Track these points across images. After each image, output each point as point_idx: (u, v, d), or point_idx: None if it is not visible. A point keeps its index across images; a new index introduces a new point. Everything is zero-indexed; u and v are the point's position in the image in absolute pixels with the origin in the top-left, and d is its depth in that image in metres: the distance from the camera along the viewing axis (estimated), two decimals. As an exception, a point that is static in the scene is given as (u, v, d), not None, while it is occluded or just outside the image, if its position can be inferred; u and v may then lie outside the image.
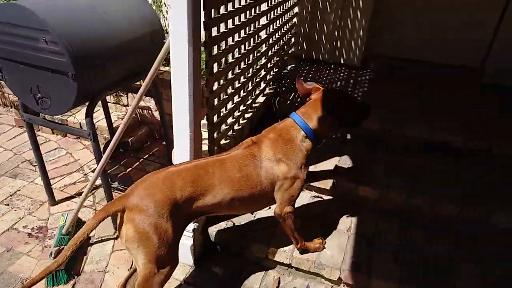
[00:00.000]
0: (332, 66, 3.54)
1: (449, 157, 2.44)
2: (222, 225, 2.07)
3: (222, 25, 1.87)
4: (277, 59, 3.04)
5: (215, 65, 1.88)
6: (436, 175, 2.30)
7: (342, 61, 3.53)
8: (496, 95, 3.05)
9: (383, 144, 2.54)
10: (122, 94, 3.07)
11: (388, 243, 1.98)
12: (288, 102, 2.85)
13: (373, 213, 2.18)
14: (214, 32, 1.79)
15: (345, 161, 2.43)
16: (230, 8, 1.91)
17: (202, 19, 1.65)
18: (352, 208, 2.19)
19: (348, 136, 2.68)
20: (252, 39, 2.33)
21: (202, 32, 1.64)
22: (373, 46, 3.51)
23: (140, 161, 2.89)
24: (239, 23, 2.08)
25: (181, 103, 1.64)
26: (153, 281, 1.41)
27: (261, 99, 2.78)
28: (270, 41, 2.75)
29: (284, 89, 3.05)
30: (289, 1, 3.01)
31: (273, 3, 2.60)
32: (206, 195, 1.48)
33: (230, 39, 2.00)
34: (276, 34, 2.89)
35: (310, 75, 3.33)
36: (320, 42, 3.51)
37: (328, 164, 2.37)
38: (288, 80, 3.21)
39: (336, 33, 3.41)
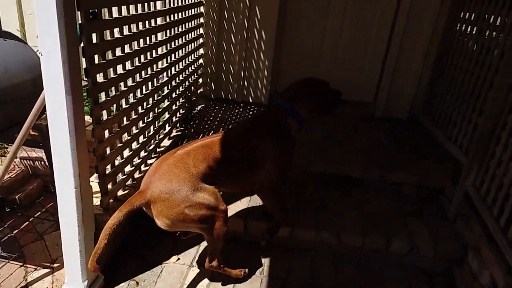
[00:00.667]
0: (242, 104, 3.60)
1: (351, 188, 2.58)
2: (124, 286, 1.87)
3: (111, 71, 1.77)
4: (183, 100, 3.00)
5: (104, 112, 1.75)
6: (340, 206, 2.38)
7: (250, 100, 3.61)
8: (386, 126, 3.36)
9: (289, 180, 2.59)
10: (6, 145, 2.73)
11: (301, 281, 1.96)
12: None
13: (285, 251, 2.16)
14: (100, 78, 1.68)
15: (255, 200, 2.41)
16: (118, 53, 1.83)
17: (84, 65, 1.54)
18: (265, 249, 2.15)
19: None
20: (150, 82, 2.26)
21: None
22: (279, 83, 3.67)
23: (30, 220, 2.55)
24: (132, 67, 1.99)
25: (62, 157, 1.47)
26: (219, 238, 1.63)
27: (167, 142, 2.67)
28: (174, 83, 2.71)
29: (192, 130, 2.99)
30: (190, 44, 3.03)
31: (172, 46, 2.58)
32: (216, 168, 1.61)
33: (122, 84, 1.90)
34: (180, 76, 2.86)
35: (220, 115, 3.33)
36: (228, 82, 3.57)
37: (240, 204, 2.33)
38: (196, 121, 3.17)
39: (242, 73, 3.50)
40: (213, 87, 3.60)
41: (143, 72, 2.14)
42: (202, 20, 3.33)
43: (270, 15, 3.25)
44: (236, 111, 3.47)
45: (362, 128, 3.31)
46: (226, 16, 3.31)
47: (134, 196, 1.50)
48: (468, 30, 2.79)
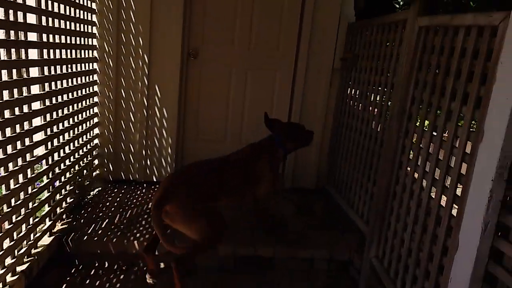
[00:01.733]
0: (145, 185, 3.35)
1: (262, 271, 2.42)
2: None
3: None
4: (71, 188, 2.66)
5: None
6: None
7: (154, 179, 3.38)
8: (295, 197, 3.37)
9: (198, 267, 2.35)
10: None
11: None
12: (88, 237, 2.41)
13: None
14: None
15: None
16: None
17: None
18: None
19: (162, 265, 2.40)
20: (21, 175, 1.94)
21: None
22: (184, 160, 3.53)
23: None
24: (-8, 160, 1.69)
25: None
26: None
27: (46, 239, 2.27)
28: (57, 171, 2.39)
29: (83, 221, 2.62)
30: (81, 126, 2.79)
31: (54, 130, 2.32)
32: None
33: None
34: (67, 161, 2.55)
35: (119, 199, 3.02)
36: (129, 162, 3.33)
37: None
38: (89, 209, 2.81)
39: (144, 152, 3.30)
40: (112, 168, 3.31)
41: (10, 164, 1.83)
42: (96, 99, 3.14)
43: (170, 93, 3.20)
44: (138, 192, 3.19)
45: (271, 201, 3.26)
46: (124, 94, 3.17)
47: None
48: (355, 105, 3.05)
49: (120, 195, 3.12)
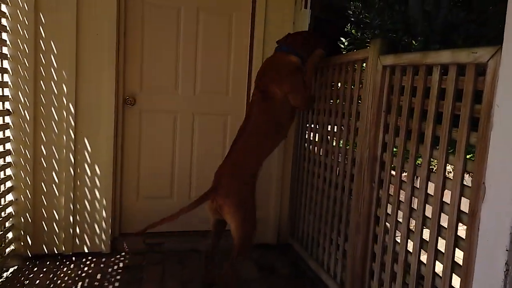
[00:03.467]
0: (74, 258, 2.75)
1: None
2: None
3: None
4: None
5: None
6: None
7: (86, 249, 2.80)
8: (256, 255, 2.96)
9: None
10: None
11: None
12: None
13: None
14: None
15: None
16: None
17: None
18: None
19: None
20: None
21: None
22: (124, 224, 3.00)
23: None
24: None
25: None
26: None
27: None
28: None
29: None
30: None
31: None
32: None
33: None
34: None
35: (38, 281, 2.41)
36: (53, 232, 2.73)
37: None
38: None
39: (72, 218, 2.73)
40: (31, 241, 2.69)
41: None
42: (9, 159, 2.58)
43: (103, 146, 2.73)
44: (65, 269, 2.59)
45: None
46: (45, 151, 2.64)
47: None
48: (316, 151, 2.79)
49: (41, 275, 2.50)
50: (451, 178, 1.39)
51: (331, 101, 2.55)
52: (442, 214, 1.45)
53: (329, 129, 2.56)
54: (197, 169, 3.07)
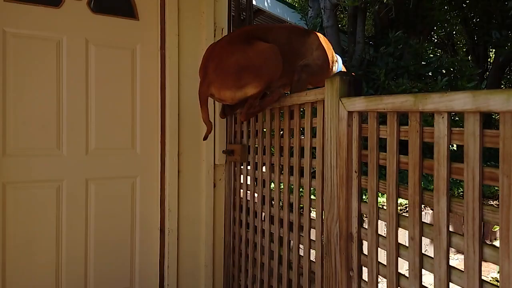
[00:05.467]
0: None
1: None
2: None
3: None
4: None
5: None
6: None
7: None
8: None
9: None
10: None
11: None
12: None
13: None
14: None
15: None
16: None
17: None
18: None
19: None
20: None
21: None
22: None
23: None
24: None
25: None
26: None
27: None
28: None
29: None
30: None
31: None
32: None
33: None
34: None
35: None
36: None
37: None
38: None
39: None
40: None
41: None
42: None
43: None
44: None
45: None
46: None
47: None
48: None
49: None
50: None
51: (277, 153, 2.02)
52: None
53: (271, 187, 2.02)
54: (96, 254, 2.22)
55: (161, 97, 2.32)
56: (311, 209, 1.74)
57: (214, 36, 2.39)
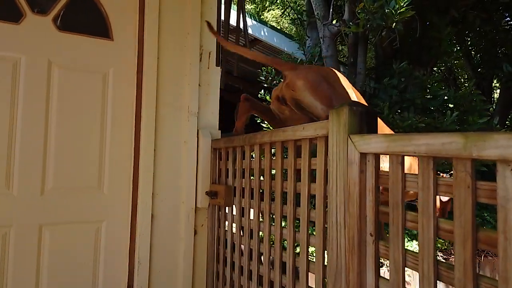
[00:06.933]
0: None
1: None
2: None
3: None
4: None
5: None
6: None
7: None
8: None
9: None
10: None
11: None
12: None
13: None
14: None
15: None
16: None
17: None
18: None
19: None
20: None
21: None
22: None
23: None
24: None
25: None
26: None
27: None
28: None
29: None
30: None
31: None
32: None
33: None
34: None
35: None
36: None
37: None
38: None
39: None
40: None
41: None
42: None
43: None
44: None
45: None
46: None
47: None
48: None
49: None
50: None
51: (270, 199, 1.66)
52: None
53: (261, 238, 1.64)
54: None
55: (135, 129, 1.99)
56: (310, 273, 1.37)
57: (200, 61, 2.10)
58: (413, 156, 0.87)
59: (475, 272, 0.77)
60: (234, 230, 1.90)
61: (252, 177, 1.76)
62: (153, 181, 1.97)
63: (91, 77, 1.95)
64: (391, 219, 0.96)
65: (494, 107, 5.15)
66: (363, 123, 1.10)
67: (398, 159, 0.93)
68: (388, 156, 0.96)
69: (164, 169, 2.01)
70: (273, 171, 1.60)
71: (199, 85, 2.09)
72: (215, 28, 2.10)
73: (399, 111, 3.66)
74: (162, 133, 2.01)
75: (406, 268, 0.94)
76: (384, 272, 2.15)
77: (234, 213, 1.90)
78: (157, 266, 2.00)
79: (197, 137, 2.07)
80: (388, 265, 0.98)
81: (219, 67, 2.08)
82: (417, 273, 0.90)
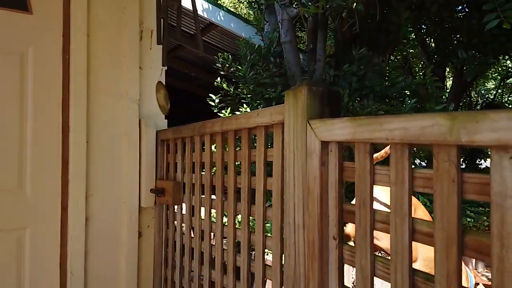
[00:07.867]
0: None
1: None
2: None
3: None
4: None
5: None
6: None
7: None
8: None
9: None
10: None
11: None
12: None
13: None
14: None
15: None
16: None
17: None
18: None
19: None
20: None
21: None
22: None
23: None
24: None
25: None
26: None
27: None
28: None
29: None
30: None
31: None
32: None
33: None
34: None
35: None
36: None
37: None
38: None
39: None
40: None
41: None
42: None
43: None
44: None
45: None
46: None
47: None
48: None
49: None
50: None
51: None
52: None
53: (212, 241, 1.45)
54: None
55: (63, 119, 1.69)
56: (267, 279, 1.20)
57: (141, 39, 1.83)
58: (384, 143, 0.70)
59: (461, 286, 0.62)
60: (184, 231, 1.69)
61: (203, 172, 1.56)
62: (86, 178, 1.70)
63: (4, 58, 1.62)
64: (358, 220, 0.79)
65: (447, 95, 5.26)
66: (325, 106, 0.92)
67: (366, 148, 0.76)
68: (357, 144, 0.79)
69: (99, 165, 1.74)
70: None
71: (140, 68, 1.83)
72: (155, 5, 1.84)
73: (359, 98, 3.58)
74: (96, 124, 1.73)
75: (375, 278, 0.78)
76: (351, 281, 1.99)
77: (184, 212, 1.69)
78: (95, 275, 1.74)
79: (139, 127, 1.82)
80: (354, 273, 0.82)
81: (161, 45, 1.82)
82: (389, 284, 0.75)
